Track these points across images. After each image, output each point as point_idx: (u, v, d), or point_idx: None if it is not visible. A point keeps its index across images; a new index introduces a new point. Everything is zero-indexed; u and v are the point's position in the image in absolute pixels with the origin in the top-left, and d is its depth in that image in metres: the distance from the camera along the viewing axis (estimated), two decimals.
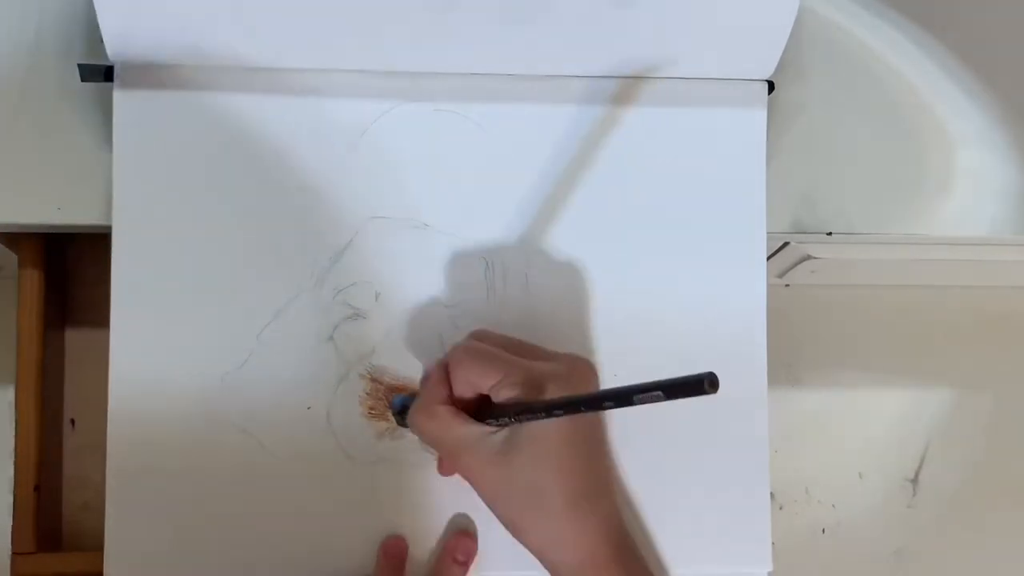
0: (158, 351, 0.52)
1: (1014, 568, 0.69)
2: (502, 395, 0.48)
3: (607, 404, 0.42)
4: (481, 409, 0.49)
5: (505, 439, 0.47)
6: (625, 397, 0.40)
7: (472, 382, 0.49)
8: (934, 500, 0.68)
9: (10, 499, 0.56)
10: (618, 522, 0.49)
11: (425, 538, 0.53)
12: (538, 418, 0.46)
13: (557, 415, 0.45)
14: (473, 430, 0.48)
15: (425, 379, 0.50)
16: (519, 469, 0.47)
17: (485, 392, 0.48)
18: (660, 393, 0.38)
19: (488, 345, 0.50)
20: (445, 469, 0.53)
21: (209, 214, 0.53)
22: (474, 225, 0.54)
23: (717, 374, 0.36)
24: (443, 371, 0.50)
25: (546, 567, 0.49)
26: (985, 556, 0.69)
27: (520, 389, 0.47)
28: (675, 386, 0.38)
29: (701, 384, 0.36)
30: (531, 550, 0.48)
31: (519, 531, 0.48)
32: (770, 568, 0.55)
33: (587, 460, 0.48)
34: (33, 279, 0.57)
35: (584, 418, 0.48)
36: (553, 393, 0.47)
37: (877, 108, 0.59)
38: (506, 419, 0.47)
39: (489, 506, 0.49)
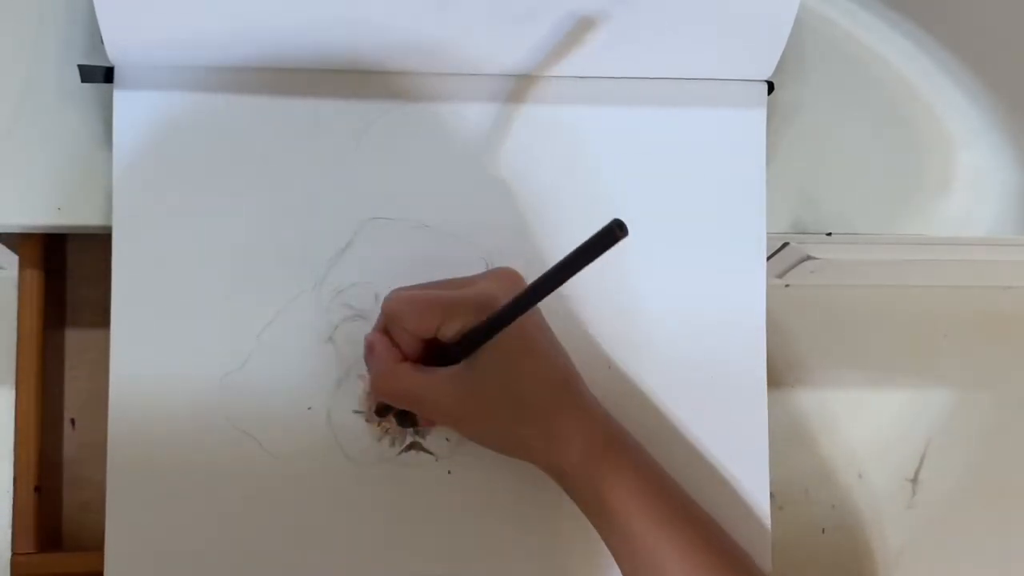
0: (158, 351, 0.52)
1: (1014, 568, 0.69)
2: (449, 332, 0.47)
3: (543, 293, 0.43)
4: (432, 353, 0.49)
5: (466, 372, 0.47)
6: (555, 278, 0.42)
7: (414, 331, 0.48)
8: (934, 500, 0.68)
9: (10, 499, 0.56)
10: (602, 410, 0.50)
11: (424, 539, 0.53)
12: (491, 337, 0.46)
13: (505, 325, 0.45)
14: (436, 374, 0.48)
15: (369, 353, 0.50)
16: (491, 391, 0.47)
17: (429, 338, 0.48)
18: (582, 259, 0.40)
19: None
20: (427, 421, 0.53)
21: (209, 214, 0.53)
22: (474, 225, 0.54)
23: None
24: (385, 336, 0.50)
25: (550, 474, 0.49)
26: (985, 556, 0.68)
27: (462, 320, 0.47)
28: (591, 246, 0.40)
29: (612, 233, 0.38)
30: (532, 461, 0.49)
31: (516, 449, 0.49)
32: (770, 568, 0.55)
33: (550, 356, 0.49)
34: (33, 279, 0.57)
35: (529, 323, 0.48)
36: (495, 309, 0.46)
37: (877, 108, 0.59)
38: (460, 353, 0.48)
39: (480, 442, 0.49)
